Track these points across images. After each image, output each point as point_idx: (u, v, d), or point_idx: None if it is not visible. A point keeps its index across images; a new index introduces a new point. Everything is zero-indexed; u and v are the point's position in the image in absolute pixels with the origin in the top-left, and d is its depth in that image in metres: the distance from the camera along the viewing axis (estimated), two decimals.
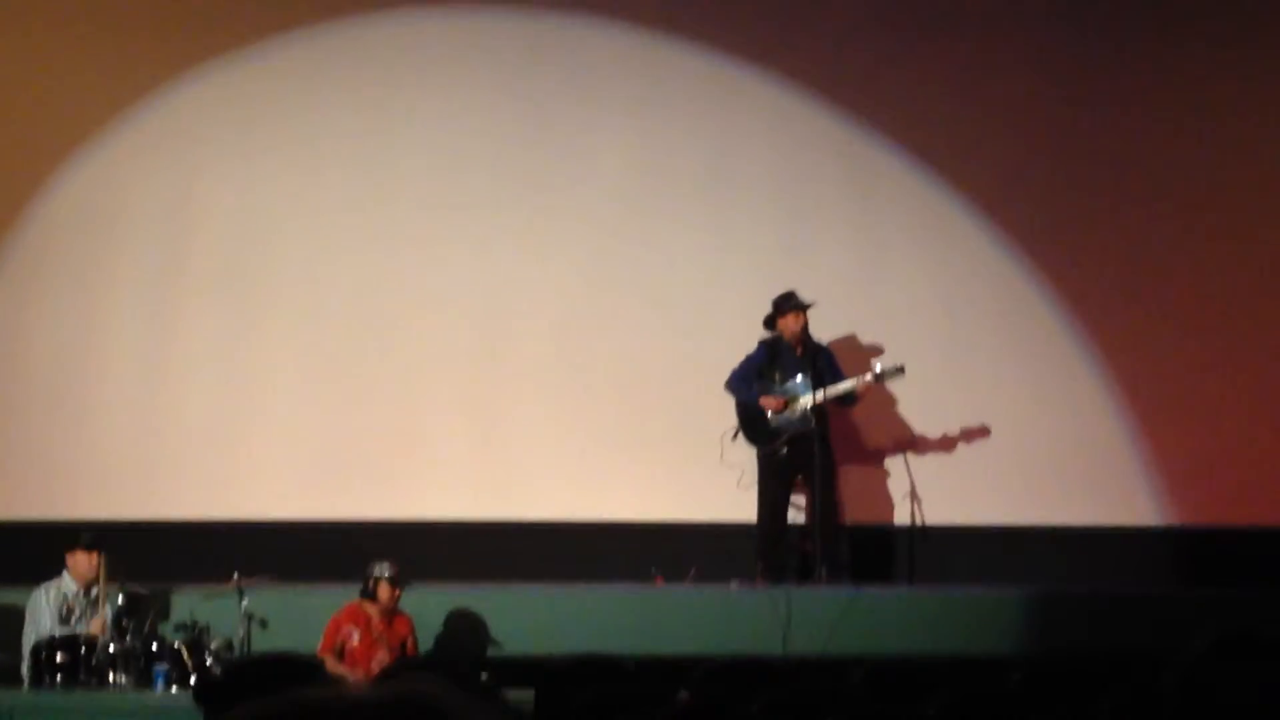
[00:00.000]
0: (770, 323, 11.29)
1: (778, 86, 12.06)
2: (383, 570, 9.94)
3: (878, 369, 11.12)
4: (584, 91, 12.12)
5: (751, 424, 11.21)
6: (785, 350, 11.23)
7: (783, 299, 11.26)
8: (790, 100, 12.05)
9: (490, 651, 10.28)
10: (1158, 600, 10.69)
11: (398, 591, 9.94)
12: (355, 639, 9.88)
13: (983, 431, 11.79)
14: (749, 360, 11.26)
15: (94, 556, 9.99)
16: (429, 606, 10.36)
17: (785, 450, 11.10)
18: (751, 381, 11.20)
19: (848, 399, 11.20)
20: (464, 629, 10.41)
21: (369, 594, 9.93)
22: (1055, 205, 12.02)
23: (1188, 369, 11.86)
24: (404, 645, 9.95)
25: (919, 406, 11.85)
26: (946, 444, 11.80)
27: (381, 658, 9.76)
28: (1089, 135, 12.03)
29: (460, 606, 10.47)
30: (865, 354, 11.65)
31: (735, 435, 11.26)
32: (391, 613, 9.98)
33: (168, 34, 12.00)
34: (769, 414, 11.13)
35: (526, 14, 12.13)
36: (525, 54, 12.12)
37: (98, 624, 9.75)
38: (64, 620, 9.88)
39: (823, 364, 11.20)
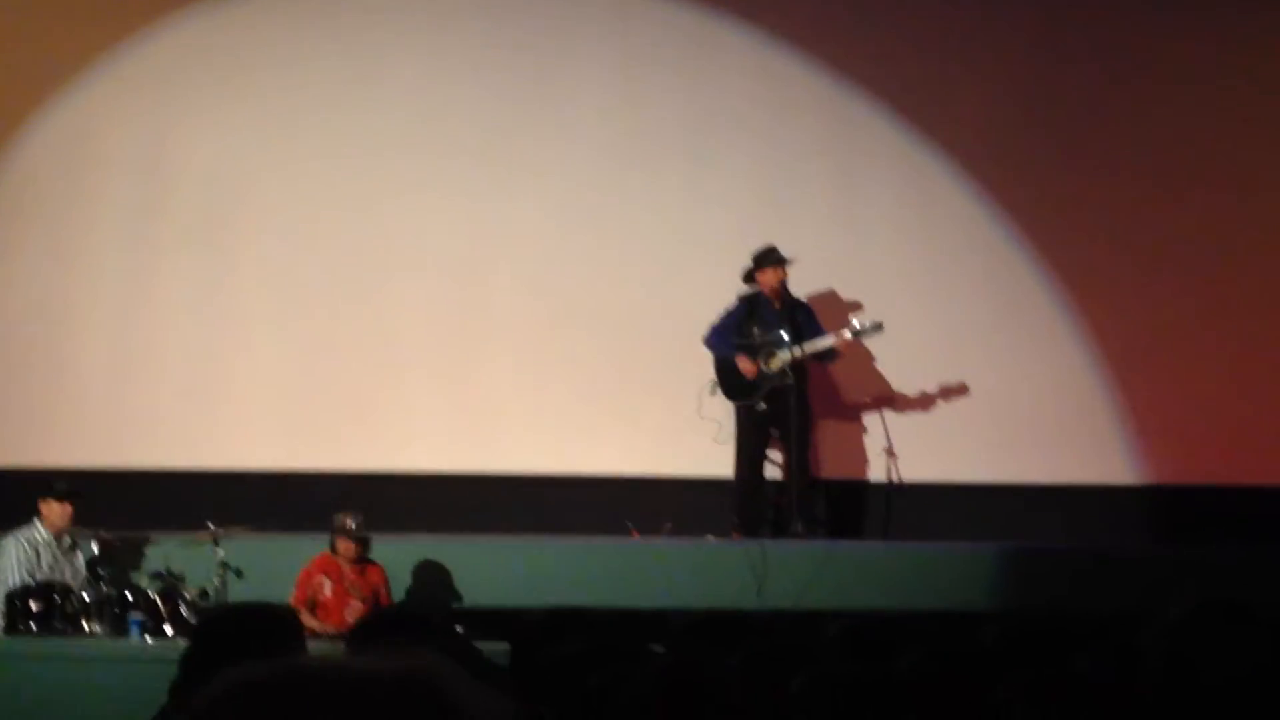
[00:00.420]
0: (749, 277, 11.27)
1: (761, 41, 12.02)
2: (341, 522, 9.91)
3: (856, 325, 11.14)
4: (565, 44, 12.07)
5: (729, 379, 11.20)
6: (764, 305, 11.22)
7: (762, 254, 11.23)
8: (774, 55, 12.01)
9: (465, 604, 10.27)
10: (1134, 558, 10.74)
11: (355, 546, 9.90)
12: (327, 589, 9.86)
13: (960, 388, 11.81)
14: (728, 315, 11.24)
15: (67, 506, 9.94)
16: (404, 558, 10.35)
17: (763, 405, 11.10)
18: (730, 336, 11.19)
19: (826, 355, 11.20)
20: (439, 581, 10.40)
21: (333, 546, 9.94)
22: (1037, 164, 12.02)
23: (1167, 328, 11.89)
24: (377, 594, 9.94)
25: (897, 363, 11.86)
26: (924, 400, 11.82)
27: (355, 607, 9.74)
28: (1071, 94, 12.02)
29: (435, 558, 10.46)
30: (844, 310, 11.65)
31: (713, 390, 11.26)
32: (362, 562, 9.96)
33: None
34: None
35: None
36: (507, 5, 12.06)
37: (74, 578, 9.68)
38: (37, 568, 9.85)
39: (802, 319, 11.20)
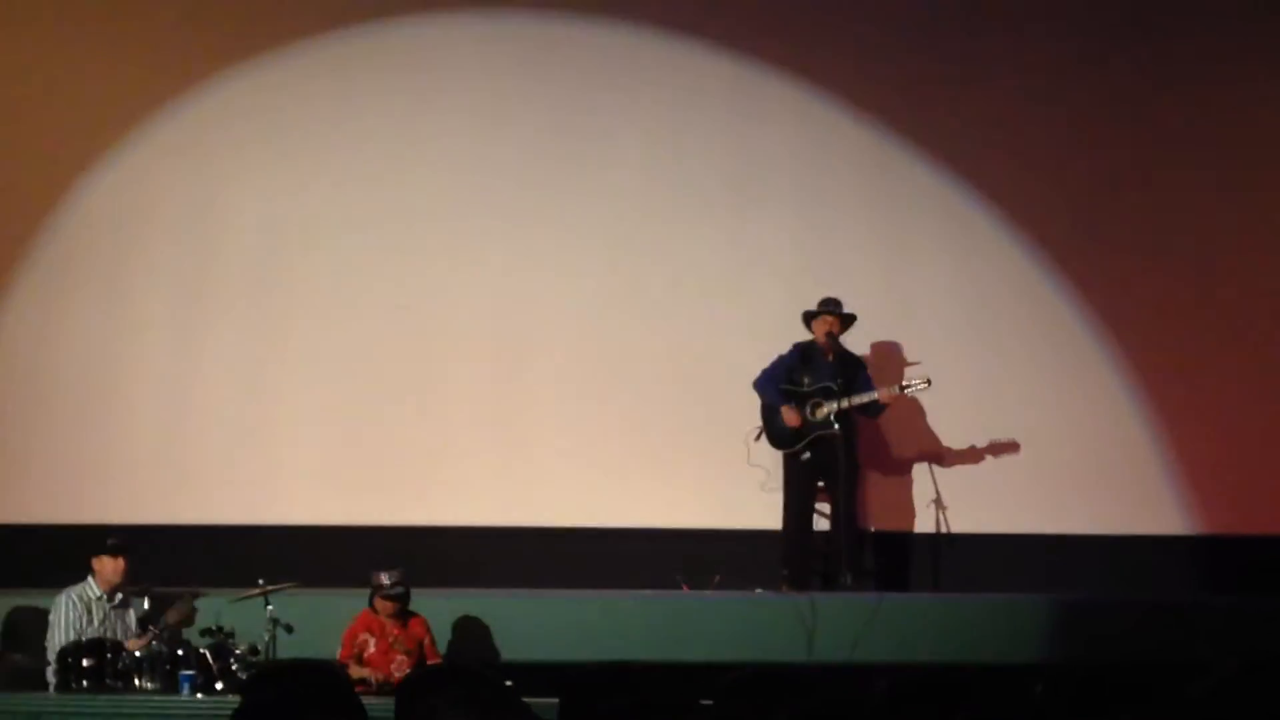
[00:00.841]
0: (808, 322, 11.27)
1: (803, 91, 12.04)
2: (379, 581, 9.92)
3: (903, 381, 11.16)
4: (608, 98, 12.12)
5: (775, 426, 11.20)
6: (817, 354, 11.22)
7: (822, 303, 11.25)
8: (816, 105, 12.04)
9: (513, 658, 10.25)
10: (1184, 609, 10.64)
11: (392, 606, 9.91)
12: (372, 646, 9.87)
13: (1009, 439, 11.76)
14: (779, 361, 11.25)
15: (120, 561, 10.00)
16: (451, 612, 10.35)
17: (808, 454, 11.08)
18: (780, 382, 11.19)
19: (871, 408, 11.19)
20: (487, 635, 10.40)
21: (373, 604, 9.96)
22: (1084, 215, 11.98)
23: (1215, 377, 11.82)
24: (421, 646, 9.95)
25: (945, 414, 11.82)
26: (972, 451, 11.78)
27: (400, 661, 9.76)
28: (1119, 144, 11.99)
29: (483, 613, 10.46)
30: (896, 364, 11.64)
31: (758, 436, 11.25)
32: (404, 615, 9.97)
33: (193, 40, 12.02)
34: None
35: (550, 19, 12.13)
36: (549, 59, 12.12)
37: (138, 643, 9.70)
38: (89, 625, 9.89)
39: (852, 372, 11.19)
